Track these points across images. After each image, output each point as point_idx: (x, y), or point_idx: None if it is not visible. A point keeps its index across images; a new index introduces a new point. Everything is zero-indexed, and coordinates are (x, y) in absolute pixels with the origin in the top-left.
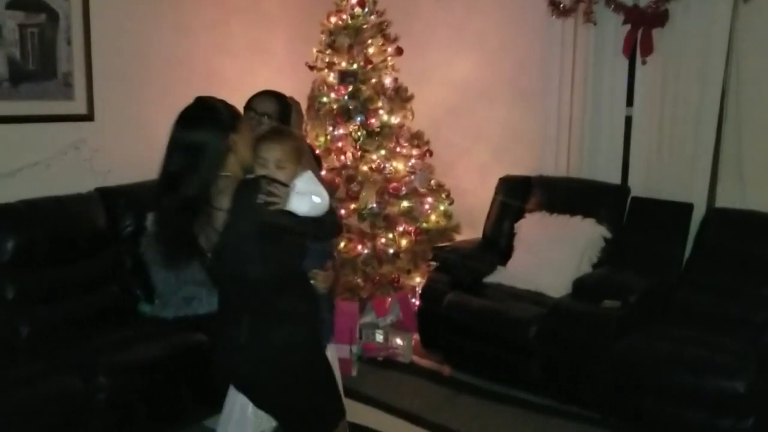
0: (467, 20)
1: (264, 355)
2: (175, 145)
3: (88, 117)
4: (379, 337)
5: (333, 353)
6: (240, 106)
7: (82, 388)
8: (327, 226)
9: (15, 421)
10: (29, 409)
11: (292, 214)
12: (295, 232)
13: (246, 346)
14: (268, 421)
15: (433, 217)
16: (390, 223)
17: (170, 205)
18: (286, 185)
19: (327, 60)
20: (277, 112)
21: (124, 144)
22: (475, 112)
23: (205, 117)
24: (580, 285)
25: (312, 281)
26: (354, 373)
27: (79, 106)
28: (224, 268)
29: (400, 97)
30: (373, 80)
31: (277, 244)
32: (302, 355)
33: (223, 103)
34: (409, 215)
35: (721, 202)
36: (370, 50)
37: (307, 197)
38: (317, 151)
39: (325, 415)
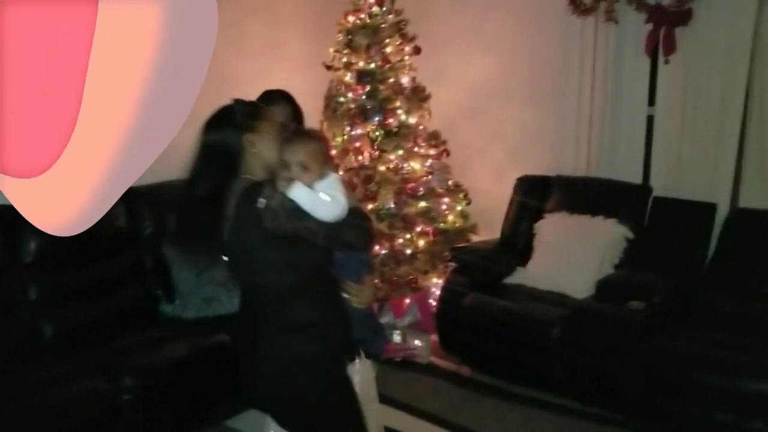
0: (484, 19)
1: (276, 370)
2: (195, 148)
3: None
4: (397, 337)
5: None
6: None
7: (109, 390)
8: (352, 232)
9: (42, 423)
10: (56, 411)
11: (306, 218)
12: (304, 237)
13: (259, 360)
14: None
15: (450, 218)
16: (408, 224)
17: (182, 202)
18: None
19: (344, 60)
20: (289, 116)
21: None
22: (492, 111)
23: (219, 118)
24: (604, 286)
25: (345, 295)
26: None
27: None
28: (238, 275)
29: (417, 97)
30: (391, 80)
31: (288, 249)
32: (316, 371)
33: (243, 103)
34: (426, 215)
35: (745, 202)
36: (388, 49)
37: (315, 197)
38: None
39: None
